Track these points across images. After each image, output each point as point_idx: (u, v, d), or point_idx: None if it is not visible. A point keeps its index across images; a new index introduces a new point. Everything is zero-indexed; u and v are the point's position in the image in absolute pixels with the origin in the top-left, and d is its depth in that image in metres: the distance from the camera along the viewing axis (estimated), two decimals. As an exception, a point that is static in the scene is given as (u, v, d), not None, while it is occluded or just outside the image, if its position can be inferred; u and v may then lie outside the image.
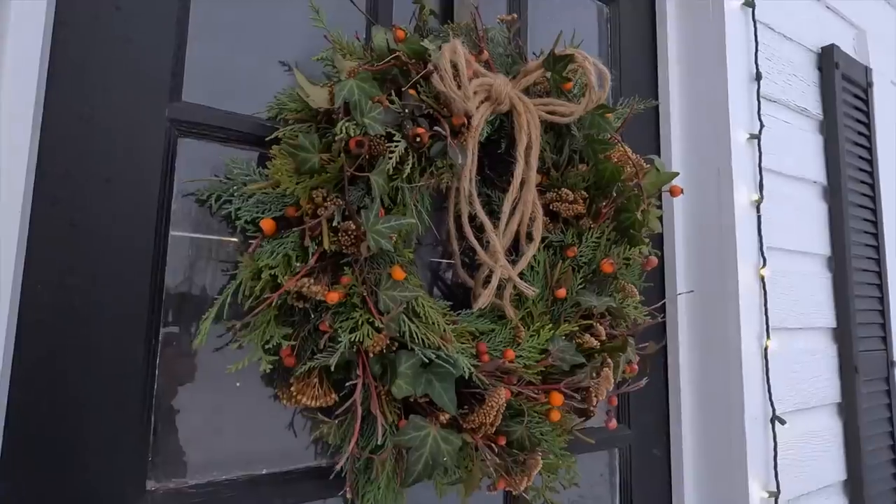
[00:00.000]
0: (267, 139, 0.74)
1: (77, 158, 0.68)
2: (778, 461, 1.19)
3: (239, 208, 0.74)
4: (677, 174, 0.96)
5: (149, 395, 0.71)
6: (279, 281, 0.67)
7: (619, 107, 1.01)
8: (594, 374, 0.88)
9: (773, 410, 1.19)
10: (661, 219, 1.01)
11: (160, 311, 0.72)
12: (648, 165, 0.98)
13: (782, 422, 1.19)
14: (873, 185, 1.63)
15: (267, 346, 0.68)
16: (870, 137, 1.65)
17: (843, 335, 1.47)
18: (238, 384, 0.78)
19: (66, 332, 0.66)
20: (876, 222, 1.62)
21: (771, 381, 1.21)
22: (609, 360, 0.90)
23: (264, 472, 0.78)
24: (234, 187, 0.74)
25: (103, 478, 0.66)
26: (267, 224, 0.71)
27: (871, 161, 1.64)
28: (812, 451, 1.35)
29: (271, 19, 0.87)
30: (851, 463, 1.43)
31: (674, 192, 0.98)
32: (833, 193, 1.52)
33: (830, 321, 1.47)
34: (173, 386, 0.74)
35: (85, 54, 0.70)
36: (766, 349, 1.21)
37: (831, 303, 1.48)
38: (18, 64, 0.64)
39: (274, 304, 0.68)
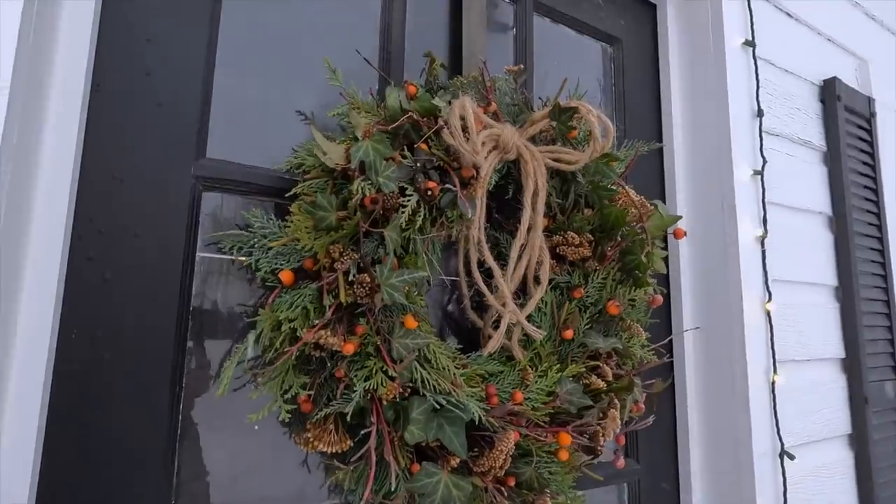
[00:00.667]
0: (287, 195, 0.78)
1: (110, 216, 0.72)
2: (788, 496, 1.19)
3: (259, 259, 0.78)
4: (680, 217, 0.99)
5: (172, 440, 0.74)
6: (298, 334, 0.70)
7: (622, 150, 1.04)
8: (601, 415, 0.90)
9: (782, 446, 1.20)
10: (666, 259, 1.03)
11: (184, 360, 0.76)
12: (652, 208, 1.01)
13: (791, 457, 1.19)
14: (879, 214, 1.64)
15: (285, 395, 0.71)
16: (874, 167, 1.67)
17: (852, 366, 1.48)
18: (256, 427, 0.82)
19: (97, 381, 0.70)
20: (883, 251, 1.63)
21: (779, 414, 1.22)
22: (616, 401, 0.92)
23: (281, 513, 0.81)
24: (254, 239, 0.78)
25: (130, 522, 0.70)
26: (286, 276, 0.75)
27: (877, 190, 1.66)
28: (823, 483, 1.35)
29: (290, 77, 0.92)
30: (863, 494, 1.42)
31: (677, 235, 1.01)
32: (838, 223, 1.53)
33: (839, 352, 1.48)
34: (196, 430, 0.77)
35: (118, 118, 0.74)
36: (773, 384, 1.22)
37: (839, 333, 1.49)
38: (59, 127, 0.69)
39: (292, 355, 0.71)
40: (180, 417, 0.76)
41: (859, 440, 1.44)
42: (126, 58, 0.75)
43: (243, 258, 0.76)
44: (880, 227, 1.64)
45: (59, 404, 0.67)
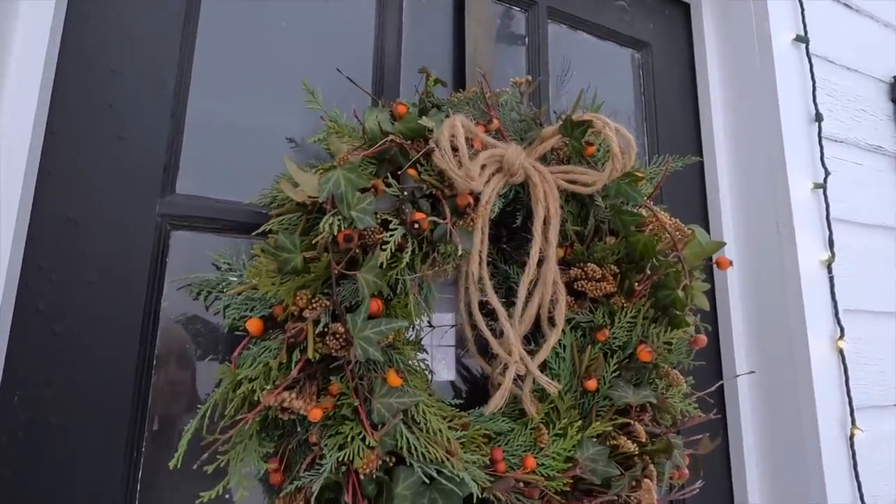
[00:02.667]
0: (253, 233, 0.69)
1: (61, 263, 0.66)
2: (878, 579, 0.97)
3: (228, 305, 0.69)
4: (724, 244, 0.83)
5: (128, 514, 0.66)
6: (257, 397, 0.60)
7: (650, 168, 0.90)
8: (633, 485, 0.75)
9: (867, 515, 0.99)
10: (709, 293, 0.87)
11: (143, 425, 0.68)
12: (690, 233, 0.86)
13: (880, 530, 0.98)
14: (974, 229, 1.40)
15: (246, 470, 0.61)
16: (964, 173, 1.42)
17: (950, 411, 1.23)
18: (227, 497, 0.72)
19: (43, 452, 0.62)
20: (981, 272, 1.38)
21: (861, 477, 1.01)
22: (651, 468, 0.77)
23: None
24: (224, 282, 0.70)
25: None
26: (253, 325, 0.66)
27: (968, 201, 1.41)
28: (923, 558, 1.11)
29: (273, 100, 0.85)
30: (977, 573, 1.16)
31: (721, 265, 0.85)
32: (923, 241, 1.31)
33: (933, 394, 1.24)
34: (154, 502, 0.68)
35: (75, 154, 0.68)
36: (851, 437, 1.01)
37: (932, 371, 1.25)
38: (6, 168, 0.63)
39: (253, 420, 0.61)
40: (138, 488, 0.67)
41: (966, 503, 1.19)
42: (86, 90, 0.70)
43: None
44: (976, 243, 1.39)
45: (1, 476, 0.60)
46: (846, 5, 1.37)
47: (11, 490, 0.60)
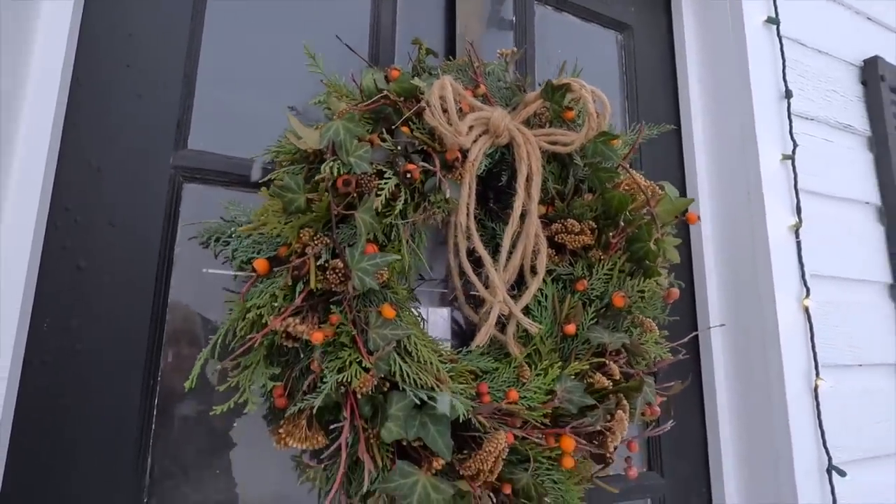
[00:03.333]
0: (260, 182, 0.76)
1: (85, 206, 0.72)
2: (839, 519, 1.04)
3: (236, 249, 0.75)
4: (692, 200, 0.90)
5: (146, 436, 0.72)
6: (265, 321, 0.67)
7: (627, 135, 0.97)
8: (607, 417, 0.82)
9: (830, 460, 1.06)
10: (686, 253, 0.94)
11: (159, 352, 0.74)
12: (661, 191, 0.93)
13: (841, 473, 1.05)
14: (939, 204, 1.47)
15: (255, 387, 0.68)
16: (930, 152, 1.50)
17: (914, 373, 1.31)
18: (235, 424, 0.78)
19: (68, 372, 0.68)
20: (946, 245, 1.45)
21: (825, 425, 1.08)
22: (624, 402, 0.84)
23: (259, 516, 0.77)
24: (232, 229, 0.76)
25: (97, 519, 0.67)
26: (260, 264, 0.72)
27: (935, 178, 1.49)
28: (886, 506, 1.19)
29: (277, 66, 0.91)
30: (937, 522, 1.23)
31: (690, 220, 0.92)
32: (889, 214, 1.38)
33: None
34: (171, 427, 0.75)
35: (97, 109, 0.75)
36: (816, 389, 1.09)
37: (895, 336, 1.33)
38: (36, 118, 0.70)
39: (261, 344, 0.68)
40: (154, 412, 0.73)
41: (928, 458, 1.26)
42: (107, 51, 0.76)
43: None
44: (941, 217, 1.47)
45: (28, 395, 0.66)
46: (819, -8, 1.45)
47: (41, 408, 0.67)
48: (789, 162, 1.19)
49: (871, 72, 1.46)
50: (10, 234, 0.66)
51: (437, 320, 1.01)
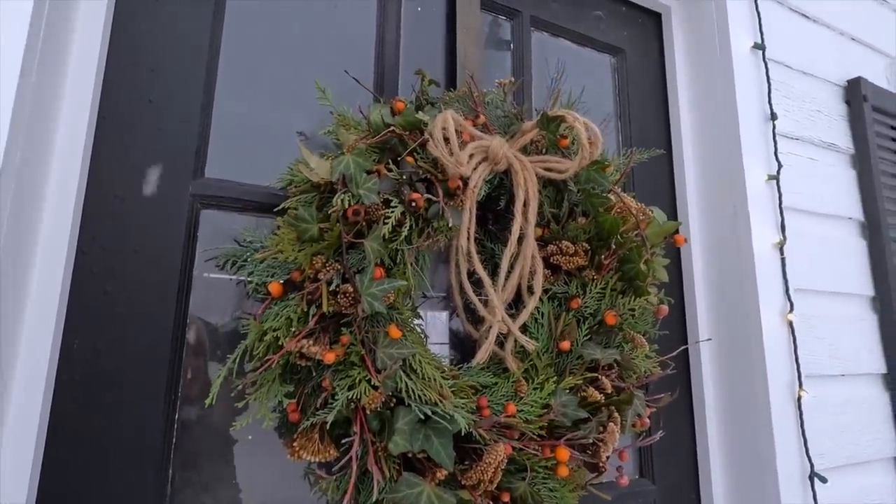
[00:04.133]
0: (275, 210, 0.81)
1: (111, 233, 0.77)
2: (821, 523, 1.10)
3: (251, 273, 0.80)
4: (679, 224, 0.96)
5: (167, 449, 0.77)
6: (280, 343, 0.72)
7: (616, 158, 1.03)
8: (600, 429, 0.87)
9: (812, 467, 1.11)
10: (675, 270, 1.00)
11: (180, 370, 0.79)
12: (651, 214, 0.99)
13: (822, 480, 1.11)
14: (920, 219, 1.54)
15: (270, 404, 0.73)
16: (911, 169, 1.57)
17: (895, 381, 1.37)
18: (250, 437, 0.83)
19: (97, 390, 0.73)
20: (926, 258, 1.51)
21: (808, 434, 1.14)
22: (616, 414, 0.89)
23: (273, 524, 0.82)
24: (248, 253, 0.81)
25: (123, 527, 0.72)
26: (274, 287, 0.77)
27: (916, 194, 1.55)
28: (867, 511, 1.24)
29: (287, 96, 0.96)
30: (916, 526, 1.29)
31: (677, 242, 0.98)
32: (872, 229, 1.44)
33: (880, 366, 1.37)
34: (191, 440, 0.80)
35: (121, 142, 0.80)
36: (799, 399, 1.14)
37: (879, 346, 1.38)
38: (65, 152, 0.75)
39: (277, 364, 0.73)
40: (175, 427, 0.78)
41: (908, 464, 1.32)
42: (130, 87, 0.81)
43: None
44: (922, 232, 1.53)
45: (60, 414, 0.71)
46: (804, 15, 1.51)
47: (71, 426, 0.71)
48: (774, 182, 1.24)
49: (854, 92, 1.52)
50: (44, 260, 0.71)
51: (437, 324, 1.06)
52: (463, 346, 1.06)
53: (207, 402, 0.73)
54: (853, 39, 1.61)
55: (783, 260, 1.20)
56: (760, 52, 1.31)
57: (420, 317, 0.95)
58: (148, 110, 0.82)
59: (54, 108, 0.74)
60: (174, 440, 0.78)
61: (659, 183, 1.29)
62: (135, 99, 0.82)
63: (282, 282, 0.78)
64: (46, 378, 0.69)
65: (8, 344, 0.66)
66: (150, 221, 0.80)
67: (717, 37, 1.30)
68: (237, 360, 0.74)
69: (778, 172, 1.24)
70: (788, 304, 1.18)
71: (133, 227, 0.79)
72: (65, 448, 0.71)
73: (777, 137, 1.28)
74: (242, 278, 0.81)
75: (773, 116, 1.28)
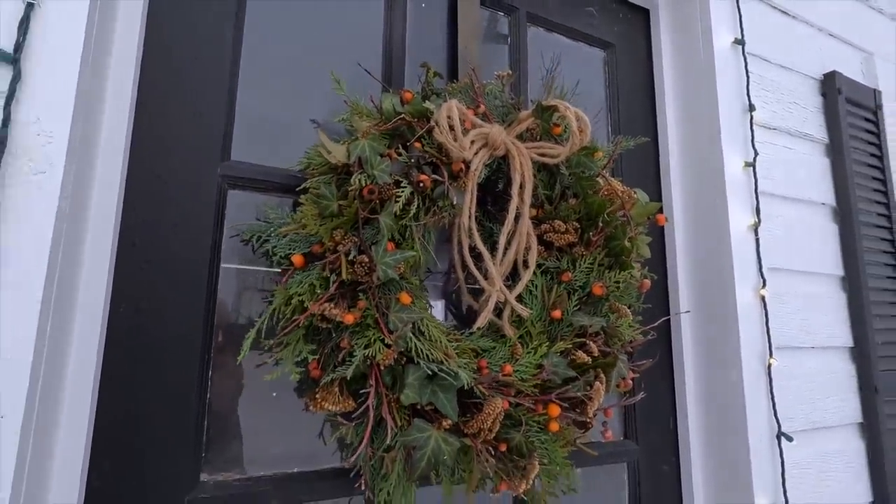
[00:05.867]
0: (297, 189, 0.90)
1: (151, 209, 0.86)
2: (787, 478, 1.21)
3: (275, 246, 0.89)
4: (660, 205, 1.06)
5: (203, 402, 0.86)
6: (305, 305, 0.81)
7: (604, 145, 1.12)
8: (587, 387, 0.97)
9: (779, 427, 1.23)
10: (659, 248, 1.09)
11: (213, 331, 0.88)
12: (636, 197, 1.08)
13: (789, 438, 1.22)
14: (889, 205, 1.65)
15: (297, 360, 0.82)
16: (882, 158, 1.67)
17: (861, 354, 1.48)
18: (274, 394, 0.93)
19: (141, 348, 0.82)
20: (893, 241, 1.63)
21: (778, 398, 1.25)
22: (602, 375, 0.99)
23: (296, 470, 0.92)
24: (271, 229, 0.90)
25: (168, 469, 0.82)
26: (297, 259, 0.87)
27: (885, 181, 1.66)
28: (832, 470, 1.36)
29: (303, 85, 1.05)
30: (877, 483, 1.41)
31: (659, 221, 1.08)
32: (843, 214, 1.55)
33: (847, 341, 1.48)
34: (223, 395, 0.89)
35: (158, 128, 0.89)
36: (769, 367, 1.25)
37: (847, 322, 1.50)
38: (110, 136, 0.83)
39: (302, 324, 0.82)
40: (209, 383, 0.88)
41: (870, 429, 1.44)
42: (164, 78, 0.90)
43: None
44: (890, 217, 1.64)
45: (109, 370, 0.80)
46: (783, 12, 1.60)
47: (117, 383, 0.81)
48: (751, 168, 1.34)
49: (829, 85, 1.62)
50: (95, 232, 0.79)
51: (439, 306, 1.16)
52: (462, 318, 1.16)
53: (239, 357, 0.82)
54: (830, 35, 1.71)
55: (757, 240, 1.31)
56: (740, 46, 1.40)
57: (426, 289, 1.05)
58: (180, 99, 0.91)
59: (100, 96, 0.82)
60: (208, 395, 0.87)
61: (645, 168, 1.39)
62: (168, 89, 0.90)
63: (303, 254, 0.88)
64: (99, 336, 0.78)
65: (67, 308, 0.75)
66: (184, 198, 0.89)
67: (700, 32, 1.39)
68: (265, 320, 0.83)
69: (754, 160, 1.34)
70: (762, 281, 1.29)
71: (171, 203, 0.87)
72: (114, 401, 0.80)
73: (755, 127, 1.37)
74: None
75: (752, 108, 1.38)
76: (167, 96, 0.90)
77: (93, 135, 0.80)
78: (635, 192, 1.07)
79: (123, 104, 0.84)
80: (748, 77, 1.39)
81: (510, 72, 1.11)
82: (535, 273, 1.05)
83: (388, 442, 0.82)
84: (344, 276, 0.83)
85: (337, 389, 0.85)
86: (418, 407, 0.87)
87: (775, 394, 1.24)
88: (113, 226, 0.81)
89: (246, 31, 1.01)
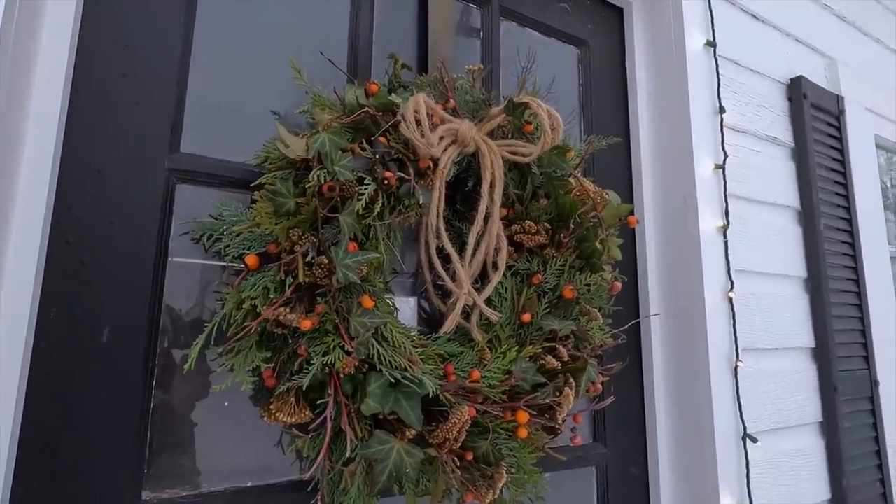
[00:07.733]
0: (251, 185, 0.84)
1: (87, 205, 0.79)
2: (751, 478, 1.22)
3: (228, 245, 0.83)
4: (632, 206, 1.04)
5: (146, 413, 0.80)
6: (259, 310, 0.76)
7: (577, 145, 1.10)
8: (556, 393, 0.95)
9: (745, 428, 1.23)
10: (630, 250, 1.08)
11: (157, 338, 0.82)
12: (607, 198, 1.06)
13: (753, 440, 1.23)
14: (850, 208, 1.68)
15: (250, 368, 0.77)
16: (844, 162, 1.71)
17: (821, 355, 1.51)
18: (226, 404, 0.87)
19: (74, 357, 0.75)
20: (854, 244, 1.66)
21: (743, 400, 1.25)
22: (571, 380, 0.97)
23: (249, 484, 0.86)
24: (224, 227, 0.84)
25: (104, 487, 0.75)
26: (251, 259, 0.81)
27: (847, 185, 1.70)
28: (793, 468, 1.38)
29: (262, 74, 0.98)
30: (835, 482, 1.44)
31: (630, 223, 1.06)
32: (807, 217, 1.58)
33: (809, 341, 1.51)
34: (168, 405, 0.83)
35: (96, 116, 0.81)
36: (736, 369, 1.26)
37: (809, 323, 1.52)
38: (40, 125, 0.75)
39: (255, 330, 0.76)
40: (153, 393, 0.81)
41: (829, 428, 1.47)
42: (104, 61, 0.82)
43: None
44: (851, 220, 1.68)
45: (38, 379, 0.73)
46: (753, 16, 1.61)
47: (51, 389, 0.73)
48: (721, 171, 1.34)
49: (795, 89, 1.64)
50: (20, 230, 0.72)
51: (405, 309, 1.11)
52: (430, 321, 1.12)
53: (186, 367, 0.76)
54: (797, 40, 1.73)
55: (726, 243, 1.31)
56: (712, 49, 1.40)
57: (391, 291, 1.01)
58: (123, 84, 0.83)
59: (27, 80, 0.74)
60: (152, 406, 0.81)
61: (617, 168, 1.37)
62: (109, 72, 0.82)
63: (258, 254, 0.82)
64: (25, 346, 0.71)
65: (-14, 310, 0.68)
66: (126, 194, 0.81)
67: (672, 33, 1.38)
68: (215, 326, 0.77)
69: (724, 162, 1.35)
70: (730, 283, 1.29)
71: (110, 199, 0.80)
72: (43, 413, 0.73)
73: (724, 130, 1.38)
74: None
75: (722, 110, 1.38)
76: (107, 80, 0.82)
77: (13, 124, 0.72)
78: (607, 193, 1.05)
79: (54, 88, 0.76)
80: (719, 79, 1.39)
81: (481, 66, 1.07)
82: (504, 275, 1.01)
83: (347, 454, 0.77)
84: (301, 278, 0.77)
85: (293, 399, 0.80)
86: (380, 416, 0.82)
87: (741, 395, 1.25)
88: (41, 223, 0.73)
89: (199, 12, 0.93)
